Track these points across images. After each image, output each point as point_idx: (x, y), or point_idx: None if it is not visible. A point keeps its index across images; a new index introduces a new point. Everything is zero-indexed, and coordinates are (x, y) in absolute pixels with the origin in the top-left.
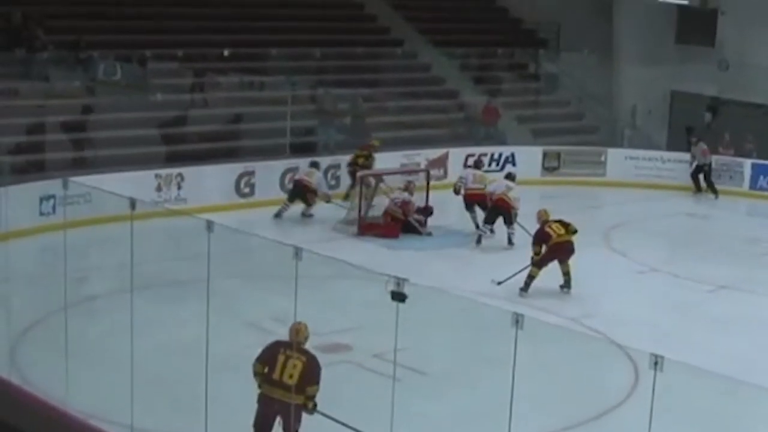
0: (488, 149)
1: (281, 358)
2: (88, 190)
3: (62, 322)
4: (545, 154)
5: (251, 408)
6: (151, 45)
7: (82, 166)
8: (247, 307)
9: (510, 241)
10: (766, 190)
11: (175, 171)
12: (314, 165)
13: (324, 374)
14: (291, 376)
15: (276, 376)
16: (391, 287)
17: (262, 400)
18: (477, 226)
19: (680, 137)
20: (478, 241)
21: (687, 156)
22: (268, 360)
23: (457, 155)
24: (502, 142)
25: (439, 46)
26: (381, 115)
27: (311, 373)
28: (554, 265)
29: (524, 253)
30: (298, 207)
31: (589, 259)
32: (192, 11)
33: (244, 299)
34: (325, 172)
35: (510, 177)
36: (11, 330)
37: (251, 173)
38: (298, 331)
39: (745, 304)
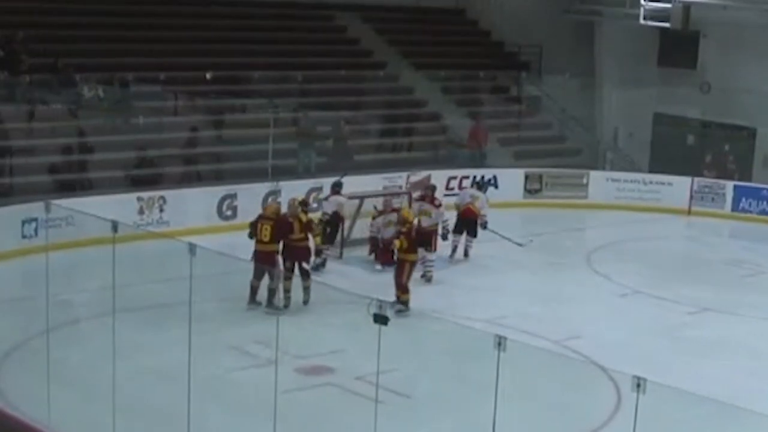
0: (470, 171)
1: (259, 226)
2: (71, 213)
3: (44, 345)
4: (527, 177)
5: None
6: (134, 68)
7: (64, 189)
8: (230, 330)
9: (466, 254)
10: (748, 212)
11: (157, 194)
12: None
13: (307, 396)
14: (265, 235)
15: (258, 237)
16: (374, 310)
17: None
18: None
19: (662, 159)
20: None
21: (669, 178)
22: (253, 229)
23: (439, 177)
24: (482, 164)
25: (421, 69)
26: (363, 138)
27: (277, 231)
28: (543, 285)
29: (496, 273)
30: None
31: (572, 281)
32: (175, 34)
33: (227, 322)
34: (307, 195)
35: (479, 186)
36: None
37: (233, 196)
38: (267, 209)
39: (728, 327)
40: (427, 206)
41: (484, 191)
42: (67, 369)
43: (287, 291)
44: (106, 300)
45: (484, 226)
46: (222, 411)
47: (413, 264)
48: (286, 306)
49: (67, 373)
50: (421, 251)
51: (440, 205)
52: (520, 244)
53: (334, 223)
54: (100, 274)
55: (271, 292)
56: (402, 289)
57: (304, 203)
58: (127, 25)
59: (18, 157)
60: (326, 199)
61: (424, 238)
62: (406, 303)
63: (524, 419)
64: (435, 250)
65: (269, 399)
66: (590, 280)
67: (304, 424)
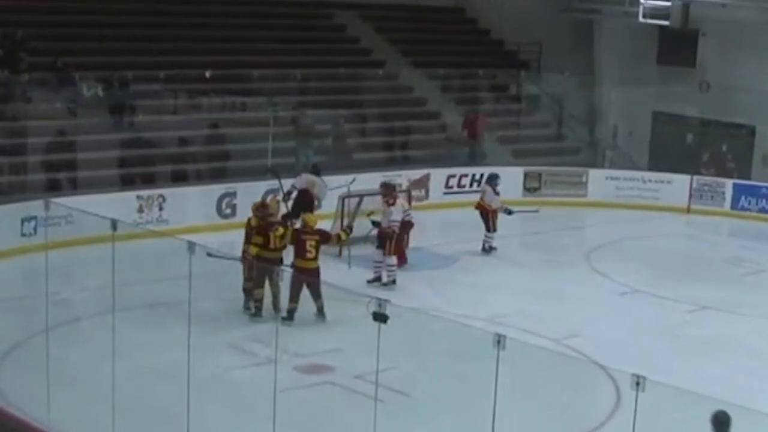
0: (469, 170)
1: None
2: (70, 212)
3: (44, 344)
4: (526, 175)
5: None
6: (133, 67)
7: (63, 187)
8: (229, 329)
9: (484, 248)
10: (747, 210)
11: (156, 192)
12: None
13: (306, 395)
14: None
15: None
16: (373, 308)
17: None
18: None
19: (661, 158)
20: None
21: (669, 176)
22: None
23: (438, 176)
24: (481, 162)
25: (420, 68)
26: (362, 136)
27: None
28: (543, 283)
29: (495, 271)
30: None
31: (571, 280)
32: (174, 33)
33: (226, 320)
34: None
35: (489, 180)
36: None
37: (233, 194)
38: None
39: (728, 325)
40: (384, 205)
41: (492, 184)
42: (66, 368)
43: (257, 300)
44: (105, 299)
45: (509, 213)
46: (221, 410)
47: (305, 271)
48: (254, 315)
49: (67, 372)
50: (378, 253)
51: (393, 204)
52: (534, 211)
53: (301, 199)
54: (100, 273)
55: (245, 292)
56: (291, 296)
57: (258, 207)
58: (126, 24)
59: (17, 156)
60: (299, 175)
61: (380, 240)
62: (291, 312)
63: (524, 418)
64: (390, 253)
65: (268, 398)
66: (590, 279)
67: (303, 422)
